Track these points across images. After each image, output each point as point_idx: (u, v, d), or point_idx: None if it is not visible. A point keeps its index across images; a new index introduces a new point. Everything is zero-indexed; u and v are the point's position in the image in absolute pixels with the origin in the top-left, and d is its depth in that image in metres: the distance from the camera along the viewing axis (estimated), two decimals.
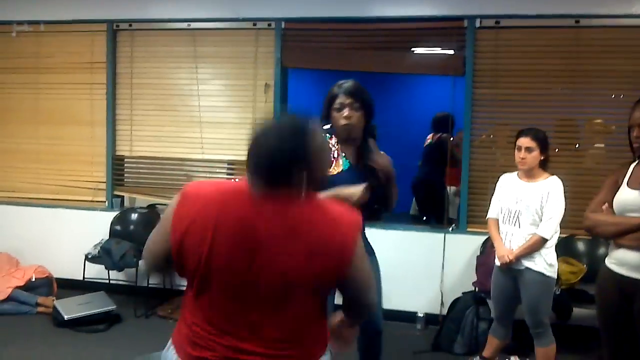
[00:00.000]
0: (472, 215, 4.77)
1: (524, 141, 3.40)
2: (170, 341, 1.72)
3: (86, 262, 5.00)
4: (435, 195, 5.55)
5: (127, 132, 5.49)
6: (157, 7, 5.31)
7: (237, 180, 1.66)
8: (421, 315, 4.79)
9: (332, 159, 2.57)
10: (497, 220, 3.59)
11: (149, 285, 5.10)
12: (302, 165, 1.51)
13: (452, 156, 5.06)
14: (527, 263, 3.39)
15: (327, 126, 2.63)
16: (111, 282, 5.12)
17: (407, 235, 4.84)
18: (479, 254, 4.59)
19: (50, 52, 5.56)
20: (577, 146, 4.63)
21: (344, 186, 2.42)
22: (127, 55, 5.45)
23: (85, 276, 5.00)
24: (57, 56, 5.55)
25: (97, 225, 5.32)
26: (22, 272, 5.07)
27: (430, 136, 6.22)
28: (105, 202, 5.54)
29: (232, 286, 1.58)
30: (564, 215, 3.42)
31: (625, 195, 2.62)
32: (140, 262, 4.77)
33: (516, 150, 3.45)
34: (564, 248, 4.37)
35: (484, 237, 4.53)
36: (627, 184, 2.64)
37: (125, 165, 5.63)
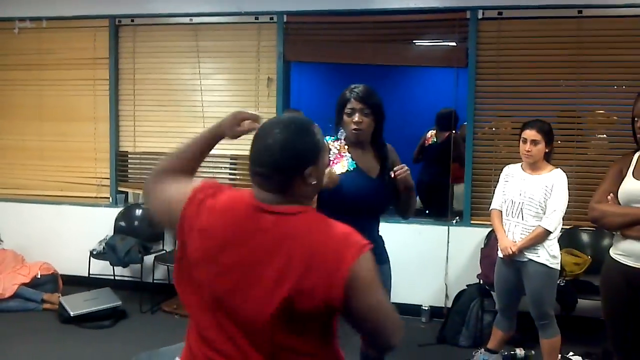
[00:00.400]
0: (475, 207, 4.76)
1: (530, 134, 3.37)
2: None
3: (91, 258, 5.01)
4: (441, 193, 5.16)
5: (131, 127, 5.49)
6: (159, 2, 5.30)
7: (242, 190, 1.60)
8: (426, 308, 4.79)
9: (331, 161, 2.59)
10: (501, 211, 3.57)
11: (154, 281, 5.12)
12: (305, 163, 1.46)
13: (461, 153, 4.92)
14: (530, 255, 3.38)
15: (341, 132, 2.67)
16: (116, 278, 5.13)
17: (411, 228, 4.83)
18: (483, 246, 4.58)
19: (52, 48, 5.56)
20: (580, 137, 4.62)
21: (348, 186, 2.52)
22: (129, 51, 5.44)
23: (91, 272, 5.01)
24: (59, 52, 5.55)
25: (102, 222, 5.33)
26: (27, 269, 5.08)
27: (432, 133, 5.75)
28: (109, 198, 5.55)
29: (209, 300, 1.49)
30: (567, 207, 3.41)
31: (630, 186, 2.61)
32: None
33: (521, 143, 3.42)
34: (568, 239, 4.37)
35: (488, 230, 4.53)
36: (633, 174, 2.63)
37: (129, 161, 5.63)
